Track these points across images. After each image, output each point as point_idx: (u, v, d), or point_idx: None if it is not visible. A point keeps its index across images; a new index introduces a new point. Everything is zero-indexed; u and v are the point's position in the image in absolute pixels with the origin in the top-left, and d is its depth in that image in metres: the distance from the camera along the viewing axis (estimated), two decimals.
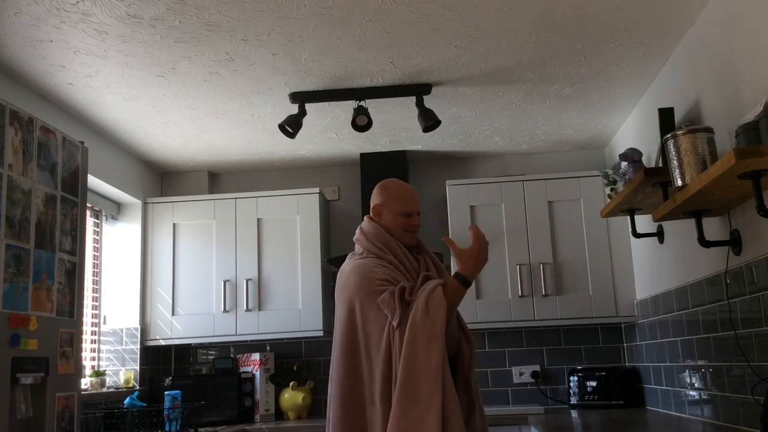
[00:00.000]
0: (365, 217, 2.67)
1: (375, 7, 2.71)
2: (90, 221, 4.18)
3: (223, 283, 4.32)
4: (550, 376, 4.43)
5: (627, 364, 4.33)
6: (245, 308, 4.27)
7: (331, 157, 4.65)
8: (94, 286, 4.24)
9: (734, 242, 2.61)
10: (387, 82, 3.45)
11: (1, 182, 2.33)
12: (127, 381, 4.11)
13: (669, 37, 3.04)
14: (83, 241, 2.79)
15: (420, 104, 3.52)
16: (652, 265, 3.74)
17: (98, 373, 3.95)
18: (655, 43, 3.10)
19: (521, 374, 4.42)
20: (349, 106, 3.64)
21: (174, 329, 4.32)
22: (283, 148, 4.40)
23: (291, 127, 3.56)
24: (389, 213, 2.61)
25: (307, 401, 4.26)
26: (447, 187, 4.33)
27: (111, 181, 4.08)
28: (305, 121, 3.67)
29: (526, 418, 3.83)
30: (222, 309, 4.28)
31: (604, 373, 4.09)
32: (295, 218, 4.39)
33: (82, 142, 2.87)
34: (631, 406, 4.03)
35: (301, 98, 3.53)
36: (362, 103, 3.55)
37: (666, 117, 2.99)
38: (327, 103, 3.63)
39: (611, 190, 3.65)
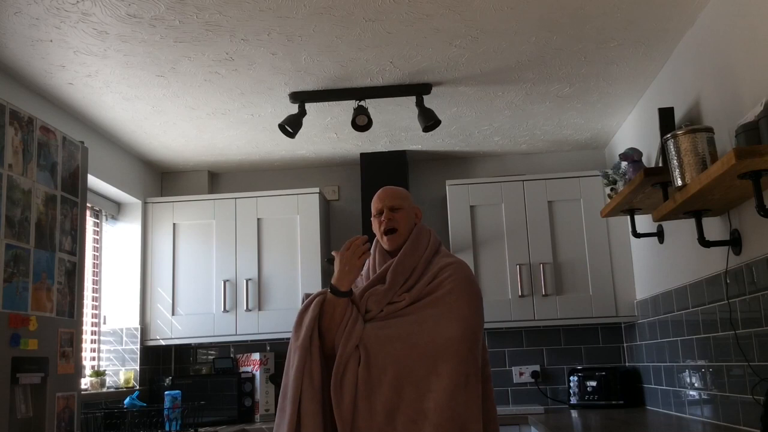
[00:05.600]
0: None
1: (375, 7, 2.71)
2: (90, 221, 4.18)
3: (223, 283, 4.32)
4: (550, 376, 4.43)
5: (627, 364, 4.33)
6: (245, 308, 4.27)
7: (331, 157, 4.65)
8: (94, 286, 4.24)
9: (734, 242, 2.61)
10: (387, 82, 3.45)
11: (1, 182, 2.33)
12: (127, 381, 4.11)
13: (669, 37, 3.04)
14: (83, 241, 2.79)
15: (420, 104, 3.52)
16: (652, 265, 3.74)
17: (98, 373, 3.95)
18: (655, 43, 3.10)
19: (521, 374, 4.42)
20: (349, 106, 3.64)
21: (174, 329, 4.32)
22: (283, 148, 4.40)
23: (291, 126, 3.56)
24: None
25: None
26: (447, 187, 4.33)
27: (111, 181, 4.08)
28: (305, 121, 3.67)
29: (526, 418, 3.83)
30: (222, 309, 4.28)
31: (604, 373, 4.09)
32: (295, 218, 4.40)
33: (82, 142, 2.87)
34: (631, 406, 4.03)
35: (301, 98, 3.53)
36: (362, 103, 3.55)
37: (666, 117, 2.99)
38: (327, 103, 3.63)
39: (611, 190, 3.65)
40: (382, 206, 2.37)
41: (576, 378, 4.17)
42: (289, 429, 2.10)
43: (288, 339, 4.43)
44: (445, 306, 2.20)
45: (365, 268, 2.40)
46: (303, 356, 2.17)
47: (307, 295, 2.36)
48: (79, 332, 2.71)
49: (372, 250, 2.40)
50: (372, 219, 2.41)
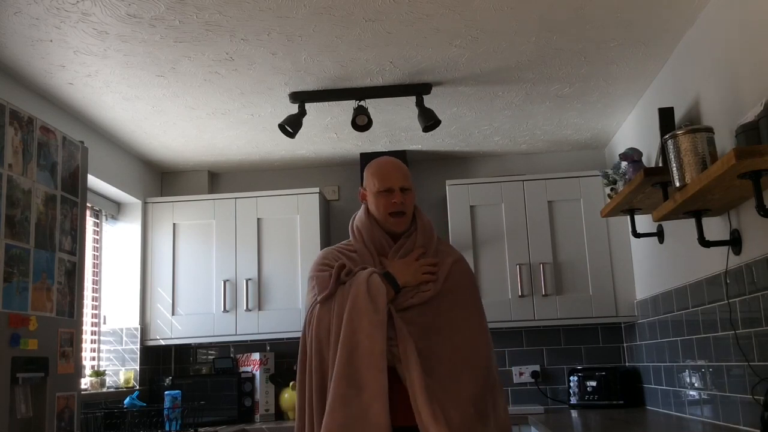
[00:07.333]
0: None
1: (375, 7, 2.71)
2: (90, 221, 4.18)
3: (223, 283, 4.32)
4: (550, 376, 4.43)
5: (627, 364, 4.33)
6: (245, 308, 4.27)
7: (331, 157, 4.65)
8: (94, 286, 4.24)
9: (734, 242, 2.61)
10: (387, 82, 3.45)
11: (1, 182, 2.33)
12: (127, 381, 4.11)
13: (669, 37, 3.04)
14: (83, 241, 2.79)
15: (420, 104, 3.52)
16: (652, 265, 3.74)
17: (98, 373, 3.95)
18: (655, 43, 3.10)
19: (521, 374, 4.42)
20: (349, 106, 3.64)
21: (174, 329, 4.32)
22: (283, 148, 4.40)
23: (291, 126, 3.56)
24: (370, 194, 2.32)
25: None
26: (447, 187, 4.33)
27: (111, 181, 4.08)
28: (305, 121, 3.67)
29: (526, 418, 3.83)
30: (222, 309, 4.28)
31: (604, 373, 4.09)
32: (295, 218, 4.40)
33: (82, 142, 2.87)
34: (631, 406, 4.03)
35: (301, 98, 3.53)
36: (362, 102, 3.55)
37: (666, 117, 2.99)
38: (327, 103, 3.63)
39: (611, 190, 3.65)
40: (393, 186, 2.28)
41: (576, 378, 4.17)
42: (382, 401, 2.00)
43: (288, 339, 4.47)
44: (469, 309, 2.30)
45: (360, 242, 2.31)
46: (385, 334, 2.09)
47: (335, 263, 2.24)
48: (79, 332, 2.72)
49: (363, 224, 2.32)
50: (374, 193, 2.30)
